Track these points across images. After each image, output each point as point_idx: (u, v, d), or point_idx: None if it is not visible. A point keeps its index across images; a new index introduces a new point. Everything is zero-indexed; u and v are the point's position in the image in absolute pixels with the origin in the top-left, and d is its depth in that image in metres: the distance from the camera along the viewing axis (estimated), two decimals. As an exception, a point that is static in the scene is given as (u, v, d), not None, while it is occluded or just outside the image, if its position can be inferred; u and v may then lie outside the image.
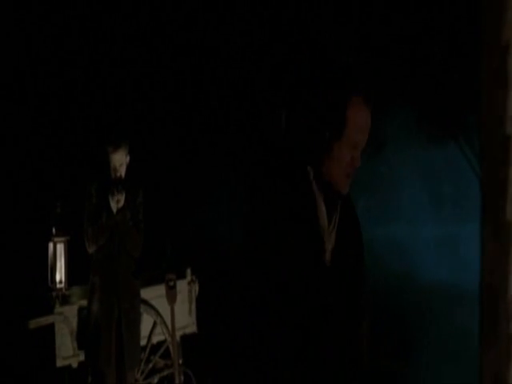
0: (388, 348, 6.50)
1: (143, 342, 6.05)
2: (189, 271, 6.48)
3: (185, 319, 6.47)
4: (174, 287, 6.10)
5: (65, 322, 5.76)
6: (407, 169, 7.11)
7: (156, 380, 6.26)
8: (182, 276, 6.41)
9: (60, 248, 5.71)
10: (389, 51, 6.92)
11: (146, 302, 6.09)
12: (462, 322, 6.51)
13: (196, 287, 6.51)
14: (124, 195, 5.54)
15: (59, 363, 5.75)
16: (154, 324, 6.25)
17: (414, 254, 7.07)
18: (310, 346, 2.53)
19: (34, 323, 5.63)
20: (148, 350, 6.20)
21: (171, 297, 6.09)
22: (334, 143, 2.50)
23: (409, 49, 6.91)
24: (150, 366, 6.22)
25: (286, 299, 2.51)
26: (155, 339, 6.30)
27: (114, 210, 5.54)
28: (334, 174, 2.53)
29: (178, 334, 6.29)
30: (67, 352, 5.79)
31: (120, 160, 5.51)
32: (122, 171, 5.55)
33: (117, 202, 5.53)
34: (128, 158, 5.58)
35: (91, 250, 5.58)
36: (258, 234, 2.54)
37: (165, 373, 6.32)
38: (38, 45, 7.11)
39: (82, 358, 5.80)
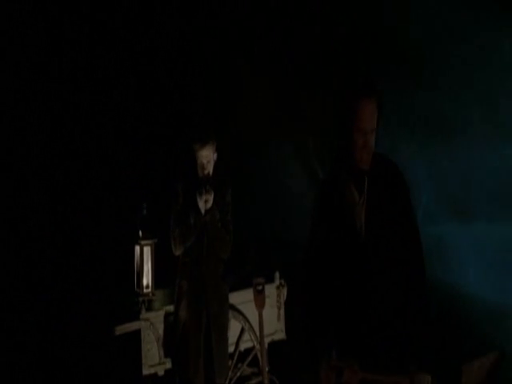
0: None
1: (230, 349, 5.80)
2: (277, 275, 6.22)
3: (273, 325, 6.21)
4: (262, 292, 5.82)
5: (151, 329, 5.55)
6: (472, 165, 6.74)
7: (244, 388, 6.02)
8: (271, 280, 6.14)
9: (147, 251, 5.47)
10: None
11: (233, 307, 5.84)
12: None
13: (285, 292, 6.23)
14: (213, 195, 5.28)
15: (145, 371, 5.55)
16: (242, 330, 5.99)
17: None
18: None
19: (119, 329, 5.42)
20: (236, 357, 5.95)
21: (260, 302, 5.80)
22: (350, 132, 3.31)
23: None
24: (238, 373, 5.96)
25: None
26: (243, 346, 6.05)
27: (203, 211, 5.29)
28: (354, 155, 3.32)
29: (266, 340, 6.01)
30: (153, 360, 5.59)
31: (207, 156, 5.25)
32: (210, 168, 5.29)
33: (205, 202, 5.27)
34: (215, 155, 5.33)
35: (178, 252, 5.35)
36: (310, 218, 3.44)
37: (253, 381, 6.07)
38: (121, 44, 7.02)
39: (168, 365, 5.61)
